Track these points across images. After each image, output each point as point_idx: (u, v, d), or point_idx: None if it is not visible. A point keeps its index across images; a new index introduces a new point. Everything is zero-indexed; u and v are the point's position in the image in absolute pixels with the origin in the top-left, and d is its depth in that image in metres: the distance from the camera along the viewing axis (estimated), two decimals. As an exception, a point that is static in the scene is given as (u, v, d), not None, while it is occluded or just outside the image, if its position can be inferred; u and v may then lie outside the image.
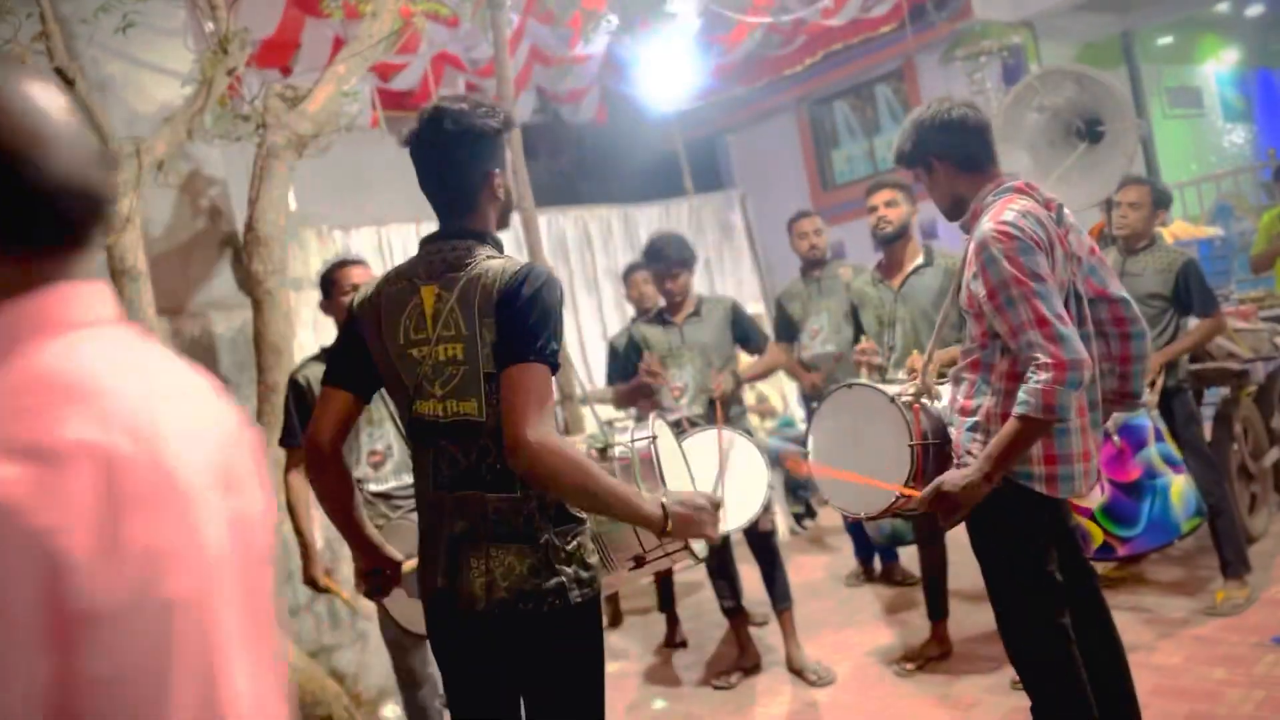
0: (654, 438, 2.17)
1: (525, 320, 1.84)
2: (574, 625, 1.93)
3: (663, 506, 1.88)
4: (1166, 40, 10.12)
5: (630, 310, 5.60)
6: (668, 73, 7.39)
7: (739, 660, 4.22)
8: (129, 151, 3.30)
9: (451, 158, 1.95)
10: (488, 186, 1.99)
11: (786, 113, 9.78)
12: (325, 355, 2.89)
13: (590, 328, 8.52)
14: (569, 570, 1.90)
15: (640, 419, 4.43)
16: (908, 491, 2.52)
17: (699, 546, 2.16)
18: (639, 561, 2.12)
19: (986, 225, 2.37)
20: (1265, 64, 12.30)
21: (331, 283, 3.17)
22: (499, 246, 2.02)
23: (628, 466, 2.13)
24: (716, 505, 1.97)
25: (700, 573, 4.27)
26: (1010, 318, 2.30)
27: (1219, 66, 11.40)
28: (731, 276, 9.63)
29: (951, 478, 2.36)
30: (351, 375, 2.04)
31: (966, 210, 2.54)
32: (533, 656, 1.95)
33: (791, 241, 5.21)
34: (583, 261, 8.59)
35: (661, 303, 4.44)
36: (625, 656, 4.73)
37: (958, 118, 2.52)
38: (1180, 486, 3.63)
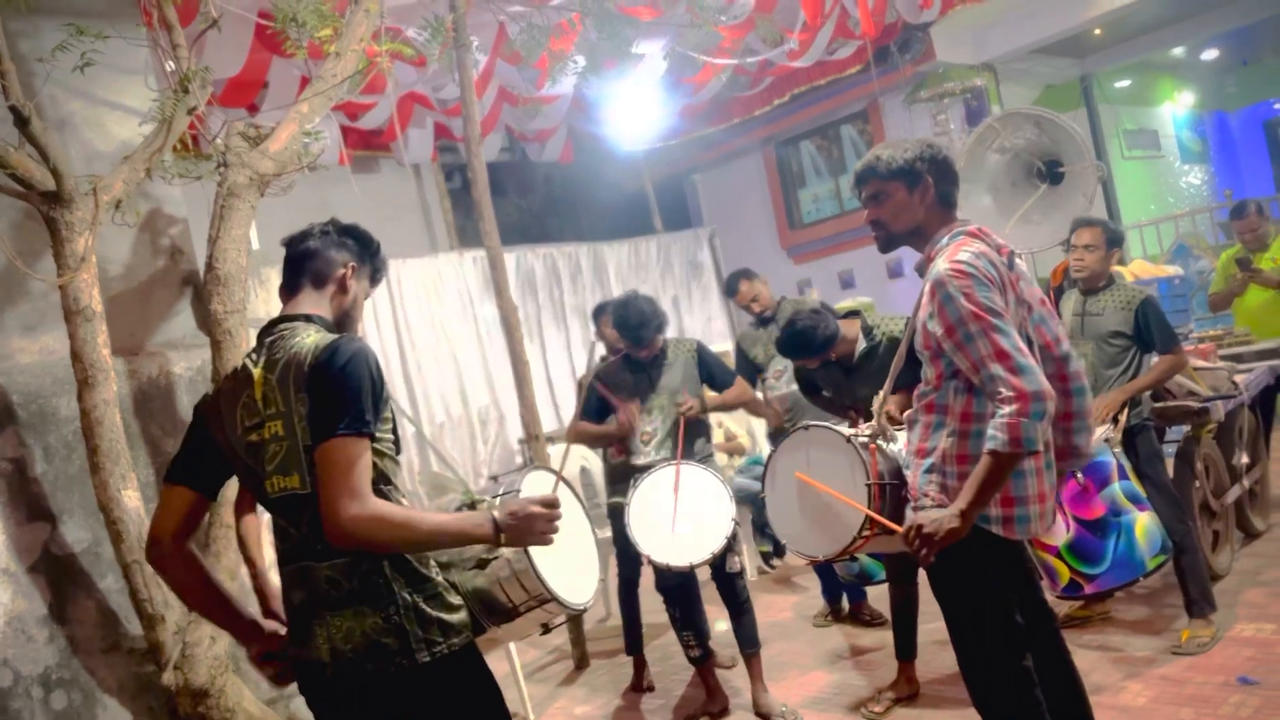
0: (517, 492, 2.17)
1: (334, 395, 1.86)
2: (433, 683, 1.92)
3: (492, 520, 1.89)
4: (1124, 83, 10.34)
5: (600, 348, 5.59)
6: (635, 113, 7.45)
7: (706, 704, 4.17)
8: (85, 190, 3.26)
9: (316, 246, 2.12)
10: (337, 279, 2.12)
11: (753, 153, 9.89)
12: None
13: (558, 365, 8.51)
14: (415, 629, 1.90)
15: (612, 463, 4.42)
16: (885, 522, 2.51)
17: (574, 601, 2.16)
18: (509, 615, 2.10)
19: (941, 265, 2.39)
20: (1220, 106, 12.60)
21: None
22: (328, 329, 2.07)
23: None
24: (552, 503, 1.97)
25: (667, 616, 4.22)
26: (970, 353, 2.31)
27: (1175, 109, 11.66)
28: (700, 314, 9.67)
29: (929, 516, 2.35)
30: (193, 472, 2.08)
31: (913, 243, 2.57)
32: (404, 716, 1.94)
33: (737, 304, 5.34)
34: (551, 298, 8.59)
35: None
36: (592, 701, 4.66)
37: (951, 159, 2.58)
38: (1144, 524, 3.64)
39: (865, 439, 2.66)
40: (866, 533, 2.58)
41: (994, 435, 2.25)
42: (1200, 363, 4.70)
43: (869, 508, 2.54)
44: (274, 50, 4.85)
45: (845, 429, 2.73)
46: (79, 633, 3.50)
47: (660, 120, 7.86)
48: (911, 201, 2.53)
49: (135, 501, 3.33)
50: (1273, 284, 5.37)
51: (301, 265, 2.13)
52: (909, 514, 2.53)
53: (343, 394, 1.86)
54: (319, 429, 1.85)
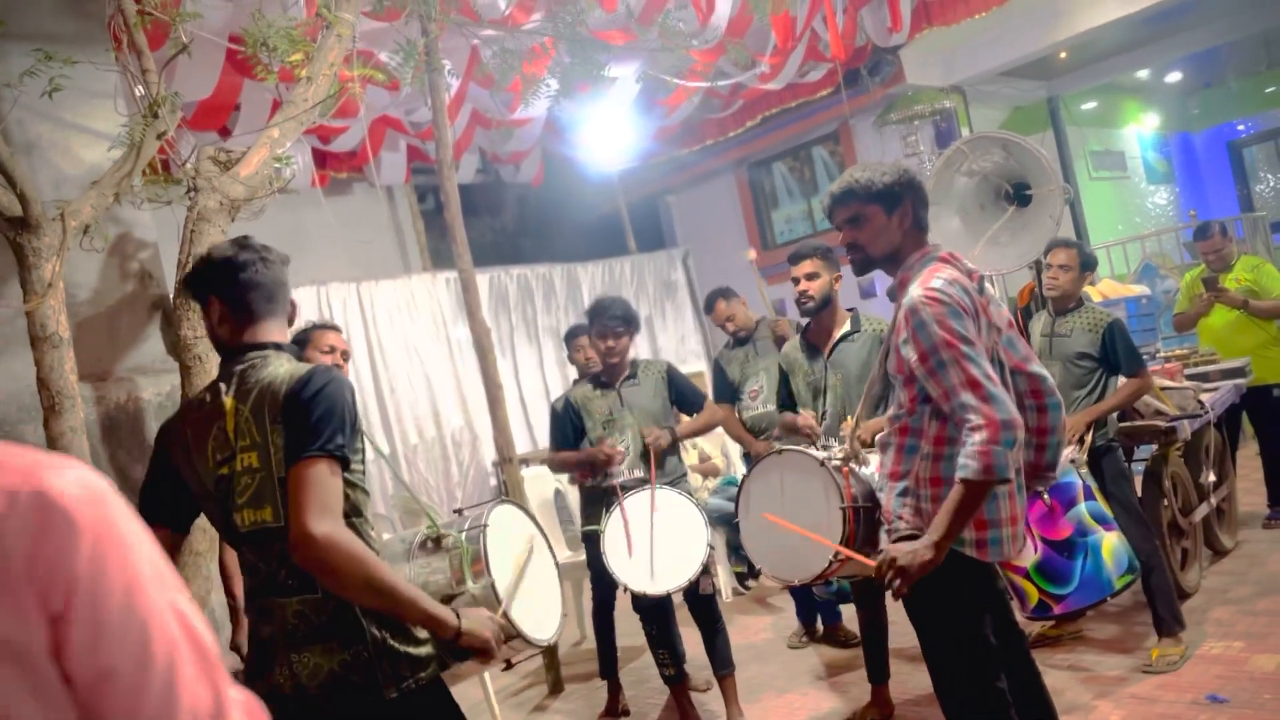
0: (485, 527, 2.16)
1: (309, 418, 1.84)
2: (399, 718, 1.90)
3: (457, 619, 1.88)
4: (1091, 105, 10.50)
5: (572, 371, 5.59)
6: (609, 135, 7.48)
7: (681, 728, 4.16)
8: (53, 215, 3.23)
9: (276, 276, 2.09)
10: (288, 310, 2.13)
11: (726, 174, 9.95)
12: None
13: (531, 385, 8.50)
14: (384, 665, 1.89)
15: (585, 486, 4.41)
16: (851, 554, 2.52)
17: (539, 636, 2.17)
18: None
19: (915, 291, 2.41)
20: (1184, 128, 12.82)
21: (307, 343, 3.17)
22: (295, 356, 2.07)
23: (458, 556, 2.13)
24: (509, 637, 1.99)
25: (642, 639, 4.21)
26: (942, 380, 2.32)
27: (1141, 130, 11.84)
28: (674, 333, 9.70)
29: (903, 549, 2.35)
30: (162, 508, 2.04)
31: (887, 267, 2.59)
32: None
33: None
34: (525, 319, 8.59)
35: (597, 367, 4.43)
36: (566, 725, 4.63)
37: (923, 185, 2.60)
38: (1111, 544, 3.67)
39: (838, 462, 2.68)
40: (842, 557, 2.59)
41: (965, 464, 2.26)
42: (1167, 382, 4.76)
43: (844, 530, 2.55)
44: (245, 73, 4.84)
45: (818, 452, 2.74)
46: (44, 664, 3.44)
47: (633, 142, 7.90)
48: (890, 225, 2.54)
49: (102, 530, 3.29)
50: (1237, 304, 5.45)
51: (274, 291, 2.07)
52: (883, 537, 2.54)
53: (315, 419, 1.83)
54: (291, 452, 1.83)
